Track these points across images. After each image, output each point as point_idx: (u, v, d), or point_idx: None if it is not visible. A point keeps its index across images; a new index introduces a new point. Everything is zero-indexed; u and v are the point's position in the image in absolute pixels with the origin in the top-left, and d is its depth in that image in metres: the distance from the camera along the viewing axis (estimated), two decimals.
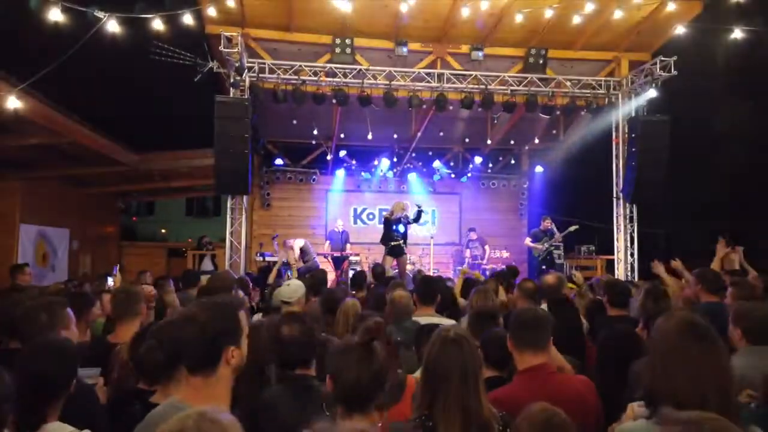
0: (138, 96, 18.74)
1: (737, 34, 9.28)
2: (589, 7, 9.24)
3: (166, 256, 16.33)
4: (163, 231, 28.07)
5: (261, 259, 12.01)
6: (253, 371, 2.55)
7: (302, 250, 11.57)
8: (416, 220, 10.26)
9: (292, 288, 4.40)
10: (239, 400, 2.45)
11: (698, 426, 1.10)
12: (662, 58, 10.00)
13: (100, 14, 6.92)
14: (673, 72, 9.92)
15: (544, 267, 11.33)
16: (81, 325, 3.52)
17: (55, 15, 6.59)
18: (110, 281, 6.71)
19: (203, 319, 1.79)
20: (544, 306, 4.36)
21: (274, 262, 10.72)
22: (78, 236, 13.70)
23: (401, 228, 10.08)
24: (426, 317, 4.04)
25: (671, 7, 9.49)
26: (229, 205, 10.47)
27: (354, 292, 6.66)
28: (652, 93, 10.28)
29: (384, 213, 10.98)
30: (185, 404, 1.78)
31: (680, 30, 9.62)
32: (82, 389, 2.28)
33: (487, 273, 11.36)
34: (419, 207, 10.16)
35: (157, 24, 7.79)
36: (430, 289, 4.40)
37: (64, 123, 9.68)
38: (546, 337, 2.73)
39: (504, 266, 10.12)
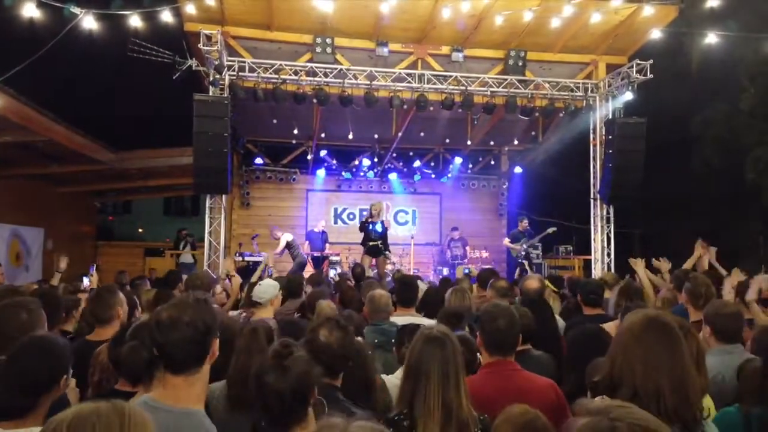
0: (116, 94, 18.49)
1: (711, 38, 9.48)
2: (568, 11, 9.37)
3: (143, 256, 16.12)
4: (140, 230, 27.71)
5: (240, 259, 11.93)
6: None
7: (289, 245, 11.55)
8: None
9: (263, 288, 4.29)
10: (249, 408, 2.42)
11: (605, 414, 1.16)
12: (638, 62, 10.16)
13: (76, 10, 6.82)
14: (649, 75, 10.08)
15: (524, 265, 11.50)
16: (53, 328, 3.46)
17: (31, 11, 6.48)
18: (86, 281, 6.62)
19: (188, 319, 1.77)
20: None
21: (254, 262, 10.67)
22: (53, 235, 13.46)
23: (378, 228, 10.12)
24: (405, 318, 4.05)
25: (648, 11, 9.66)
26: (208, 204, 10.37)
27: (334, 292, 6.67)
28: (628, 95, 10.44)
29: (364, 214, 11.05)
30: (160, 402, 1.78)
31: (656, 34, 9.82)
32: None
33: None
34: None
35: (135, 21, 7.71)
36: (408, 290, 4.41)
37: (39, 121, 9.50)
38: (517, 341, 2.77)
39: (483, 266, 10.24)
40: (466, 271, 11.83)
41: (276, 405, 1.82)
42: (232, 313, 5.11)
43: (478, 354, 3.01)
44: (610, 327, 3.74)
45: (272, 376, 1.83)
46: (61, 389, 2.16)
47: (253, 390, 1.90)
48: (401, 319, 3.96)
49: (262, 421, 1.89)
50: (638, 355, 1.75)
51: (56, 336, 2.34)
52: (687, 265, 5.59)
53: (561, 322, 4.76)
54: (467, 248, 13.62)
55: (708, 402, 2.39)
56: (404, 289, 4.43)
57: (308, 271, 11.67)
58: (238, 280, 5.71)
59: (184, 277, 5.84)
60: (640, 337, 1.79)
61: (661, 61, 10.54)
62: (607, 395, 1.77)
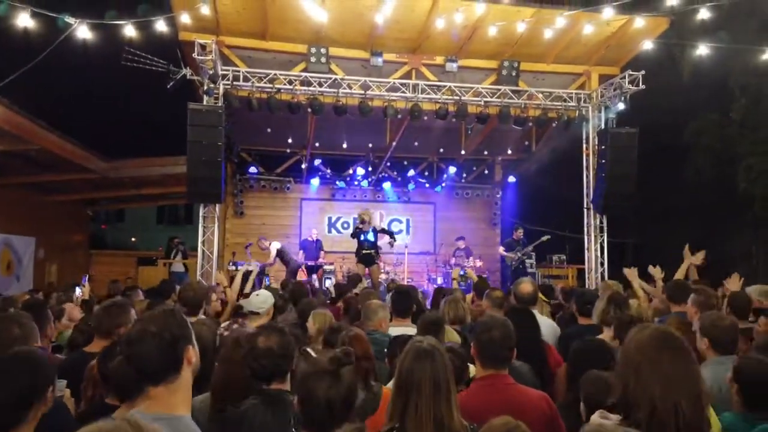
0: (110, 103, 18.48)
1: (702, 50, 9.58)
2: (560, 22, 9.45)
3: (136, 265, 16.03)
4: (133, 239, 27.59)
5: (234, 268, 11.88)
6: (237, 386, 2.50)
7: (279, 252, 11.53)
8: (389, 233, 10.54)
9: (261, 298, 4.31)
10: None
11: None
12: (630, 72, 10.24)
13: (70, 20, 6.81)
14: (641, 86, 10.17)
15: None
16: (43, 340, 3.42)
17: (25, 20, 6.47)
18: (78, 291, 6.56)
19: (155, 329, 1.80)
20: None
21: (249, 271, 10.63)
22: (44, 244, 13.38)
23: (371, 237, 10.13)
24: (400, 328, 4.05)
25: (639, 23, 9.77)
26: (201, 213, 10.33)
27: (329, 302, 6.66)
28: (621, 106, 10.52)
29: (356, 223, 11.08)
30: (148, 412, 1.77)
31: (648, 45, 9.91)
32: (53, 404, 2.22)
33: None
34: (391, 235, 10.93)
35: (130, 30, 7.70)
36: (403, 300, 4.41)
37: (32, 129, 9.48)
38: (512, 353, 2.77)
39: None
40: (462, 272, 11.75)
41: (325, 412, 1.89)
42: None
43: (470, 365, 3.01)
44: (606, 338, 3.75)
45: (326, 383, 1.91)
46: (48, 402, 2.13)
47: (298, 396, 1.97)
48: (397, 329, 3.96)
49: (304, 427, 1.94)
50: (655, 376, 1.72)
51: (36, 349, 2.31)
52: (678, 274, 5.59)
53: (557, 330, 4.77)
54: (470, 258, 13.61)
55: (711, 415, 2.38)
56: (399, 299, 4.42)
57: (301, 277, 11.66)
58: (233, 289, 5.70)
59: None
60: (654, 358, 1.76)
61: (653, 71, 10.62)
62: (623, 415, 1.76)
